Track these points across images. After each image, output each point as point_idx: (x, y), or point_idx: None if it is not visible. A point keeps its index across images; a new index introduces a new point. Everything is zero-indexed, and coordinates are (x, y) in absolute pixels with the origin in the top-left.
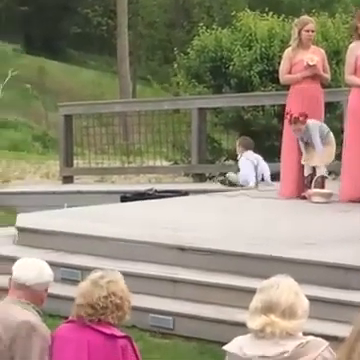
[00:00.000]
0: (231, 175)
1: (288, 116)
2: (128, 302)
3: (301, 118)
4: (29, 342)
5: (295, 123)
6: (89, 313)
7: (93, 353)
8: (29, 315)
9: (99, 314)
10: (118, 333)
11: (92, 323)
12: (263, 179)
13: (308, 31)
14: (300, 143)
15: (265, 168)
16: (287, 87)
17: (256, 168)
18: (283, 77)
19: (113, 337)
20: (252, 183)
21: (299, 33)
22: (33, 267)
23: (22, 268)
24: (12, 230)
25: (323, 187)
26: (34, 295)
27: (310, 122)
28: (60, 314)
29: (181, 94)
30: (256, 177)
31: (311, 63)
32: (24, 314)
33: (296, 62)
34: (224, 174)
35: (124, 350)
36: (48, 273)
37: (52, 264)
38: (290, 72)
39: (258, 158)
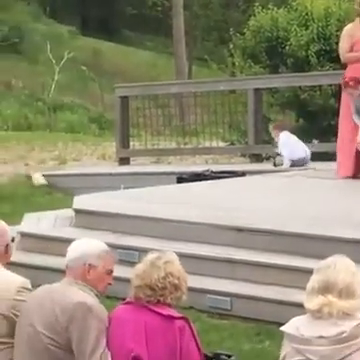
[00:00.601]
0: (278, 158)
1: (342, 80)
2: (185, 282)
3: (351, 83)
4: (85, 324)
5: (345, 87)
6: (148, 294)
7: (150, 334)
8: (85, 296)
9: (158, 295)
10: (175, 314)
11: (150, 304)
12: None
13: None
14: (354, 117)
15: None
16: (345, 66)
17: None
18: (344, 55)
19: (170, 318)
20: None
21: None
22: (70, 247)
23: (67, 250)
24: (69, 212)
25: None
26: (76, 273)
27: None
28: (117, 295)
29: (237, 75)
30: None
31: None
32: (81, 296)
33: (357, 40)
34: (274, 158)
35: (181, 331)
36: (83, 248)
37: (109, 246)
38: (351, 50)
39: (296, 138)
